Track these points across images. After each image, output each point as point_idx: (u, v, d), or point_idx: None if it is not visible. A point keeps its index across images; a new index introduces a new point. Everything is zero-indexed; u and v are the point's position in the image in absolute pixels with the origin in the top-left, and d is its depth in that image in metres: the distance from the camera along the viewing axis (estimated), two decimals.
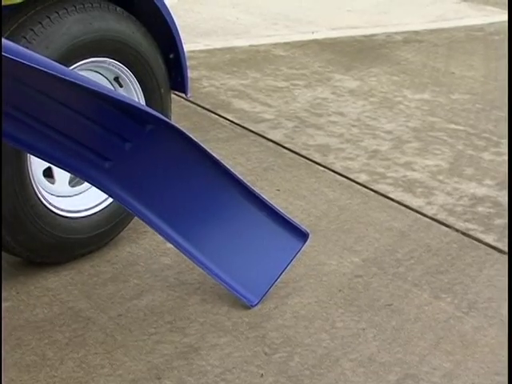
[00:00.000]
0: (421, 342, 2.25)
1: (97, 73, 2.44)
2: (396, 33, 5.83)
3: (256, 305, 2.32)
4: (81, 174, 2.24)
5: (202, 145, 2.25)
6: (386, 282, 2.54)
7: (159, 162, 2.26)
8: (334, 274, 2.56)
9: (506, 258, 2.76)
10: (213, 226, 2.33)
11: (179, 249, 2.33)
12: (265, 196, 3.08)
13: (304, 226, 2.44)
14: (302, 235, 2.40)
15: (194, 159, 2.25)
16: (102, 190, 2.28)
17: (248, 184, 2.35)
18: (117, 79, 2.48)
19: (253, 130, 3.78)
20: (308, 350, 2.17)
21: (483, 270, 2.66)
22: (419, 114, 4.18)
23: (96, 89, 2.04)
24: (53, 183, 2.44)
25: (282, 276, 2.44)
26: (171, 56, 2.61)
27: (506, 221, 3.04)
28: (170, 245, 2.64)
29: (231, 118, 3.90)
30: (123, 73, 2.46)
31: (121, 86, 2.50)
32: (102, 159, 2.22)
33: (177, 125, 2.26)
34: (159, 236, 2.67)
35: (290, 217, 2.40)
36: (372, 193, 3.19)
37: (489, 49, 5.59)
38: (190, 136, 2.23)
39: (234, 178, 2.30)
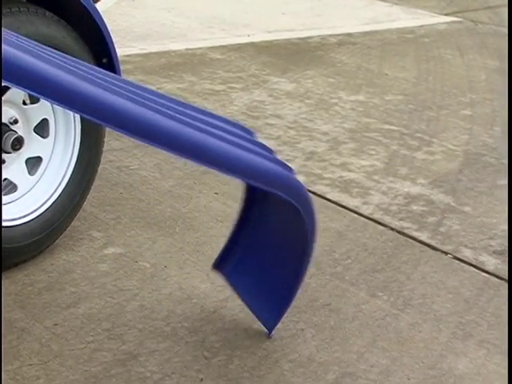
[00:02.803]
0: (358, 340, 2.28)
1: None
2: (330, 35, 5.91)
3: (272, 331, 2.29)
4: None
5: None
6: (324, 282, 2.57)
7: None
8: None
9: (439, 254, 2.83)
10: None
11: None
12: (203, 200, 3.08)
13: None
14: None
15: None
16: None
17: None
18: None
19: None
20: (247, 352, 2.18)
21: (418, 268, 2.72)
22: (354, 115, 4.25)
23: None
24: None
25: (220, 280, 2.45)
26: (104, 61, 2.58)
27: (439, 218, 3.11)
28: (107, 251, 2.61)
29: None
30: None
31: None
32: None
33: None
34: (96, 243, 2.65)
35: None
36: (309, 194, 3.22)
37: (420, 50, 5.73)
38: None
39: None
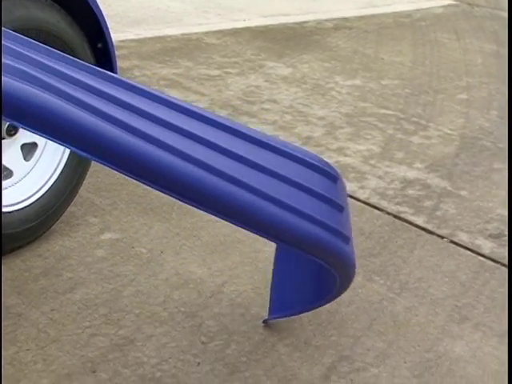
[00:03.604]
0: (355, 324, 2.29)
1: None
2: (327, 20, 5.89)
3: (266, 320, 2.26)
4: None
5: None
6: None
7: None
8: (269, 261, 2.57)
9: (435, 238, 2.84)
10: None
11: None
12: None
13: None
14: None
15: None
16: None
17: None
18: None
19: None
20: (244, 337, 2.19)
21: (414, 251, 2.73)
22: (351, 99, 4.24)
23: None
24: None
25: (217, 264, 2.45)
26: (99, 45, 2.57)
27: (435, 202, 3.12)
28: (103, 237, 2.61)
29: None
30: None
31: None
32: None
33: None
34: (92, 228, 2.65)
35: None
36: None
37: (416, 34, 5.71)
38: None
39: None
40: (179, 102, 1.65)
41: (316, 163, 1.76)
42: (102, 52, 2.57)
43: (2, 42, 1.52)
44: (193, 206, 1.56)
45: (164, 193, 1.53)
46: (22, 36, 1.63)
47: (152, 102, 1.60)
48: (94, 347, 2.07)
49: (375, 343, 2.21)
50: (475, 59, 5.19)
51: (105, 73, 1.63)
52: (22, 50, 1.55)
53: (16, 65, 1.47)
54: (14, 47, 1.55)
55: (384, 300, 2.42)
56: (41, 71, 1.50)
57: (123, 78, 1.66)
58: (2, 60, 1.44)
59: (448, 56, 5.25)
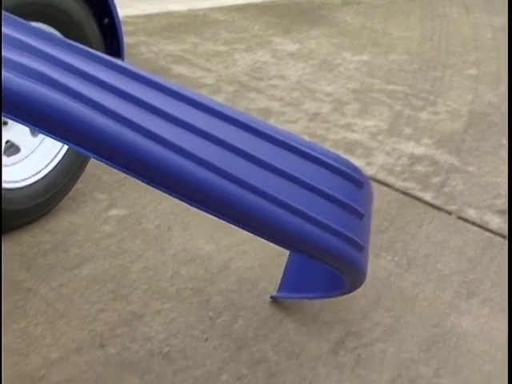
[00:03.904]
0: (362, 299, 2.29)
1: None
2: None
3: (274, 296, 2.26)
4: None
5: None
6: None
7: None
8: None
9: (443, 214, 2.83)
10: None
11: None
12: None
13: None
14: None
15: None
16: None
17: None
18: None
19: None
20: (252, 312, 2.19)
21: (422, 227, 2.72)
22: (358, 75, 4.21)
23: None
24: None
25: (224, 240, 2.46)
26: (105, 21, 2.55)
27: (443, 178, 3.10)
28: (111, 213, 2.62)
29: None
30: None
31: None
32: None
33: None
34: (100, 205, 2.65)
35: None
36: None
37: (425, 9, 5.65)
38: None
39: None
40: (198, 98, 1.55)
41: (340, 167, 1.68)
42: (108, 28, 2.55)
43: (3, 30, 1.48)
44: (202, 210, 1.51)
45: (172, 196, 1.49)
46: (22, 20, 1.58)
47: (164, 95, 1.52)
48: (103, 322, 2.08)
49: (383, 318, 2.21)
50: (485, 34, 5.15)
51: (106, 59, 1.56)
52: (22, 38, 1.48)
53: (16, 58, 1.41)
54: (14, 34, 1.49)
55: (391, 276, 2.42)
56: (40, 62, 1.44)
57: (126, 65, 1.56)
58: (2, 61, 1.39)
59: (457, 31, 5.20)
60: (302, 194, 1.58)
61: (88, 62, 1.52)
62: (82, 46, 1.58)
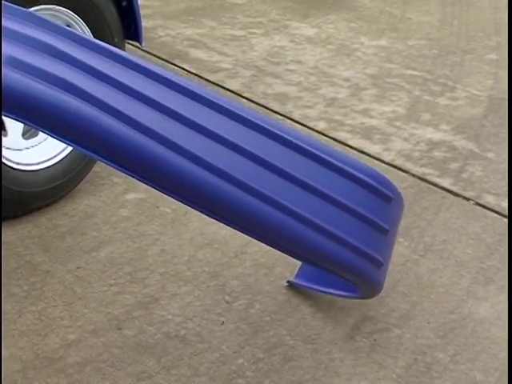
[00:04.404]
0: None
1: None
2: None
3: (290, 281, 2.25)
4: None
5: None
6: None
7: None
8: None
9: (461, 200, 2.81)
10: None
11: None
12: None
13: None
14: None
15: None
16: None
17: None
18: (68, 27, 2.42)
19: (210, 79, 3.73)
20: (268, 297, 2.20)
21: (439, 214, 2.71)
22: (376, 60, 4.18)
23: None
24: (5, 136, 2.39)
25: None
26: (124, 4, 2.55)
27: (461, 165, 3.08)
28: (128, 197, 2.63)
29: (188, 68, 3.85)
30: (74, 21, 2.40)
31: None
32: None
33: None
34: (117, 188, 2.66)
35: None
36: (330, 140, 3.20)
37: None
38: None
39: None
40: (215, 99, 1.49)
41: (368, 180, 1.62)
42: (126, 11, 2.55)
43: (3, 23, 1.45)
44: (217, 220, 1.49)
45: (188, 205, 1.47)
46: (22, 9, 1.56)
47: (175, 93, 1.47)
48: (120, 305, 2.10)
49: (399, 304, 2.21)
50: (506, 18, 5.08)
51: (107, 49, 1.51)
52: (22, 31, 1.45)
53: (18, 56, 1.37)
54: (15, 27, 1.45)
55: (408, 262, 2.41)
56: (41, 56, 1.41)
57: (128, 56, 1.51)
58: (2, 61, 1.37)
59: (477, 15, 5.14)
60: (323, 206, 1.53)
61: (89, 52, 1.48)
62: (83, 36, 1.55)
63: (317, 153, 1.56)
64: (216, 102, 1.49)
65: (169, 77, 1.49)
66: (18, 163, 2.36)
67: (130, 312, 2.07)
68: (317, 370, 1.93)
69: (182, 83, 1.49)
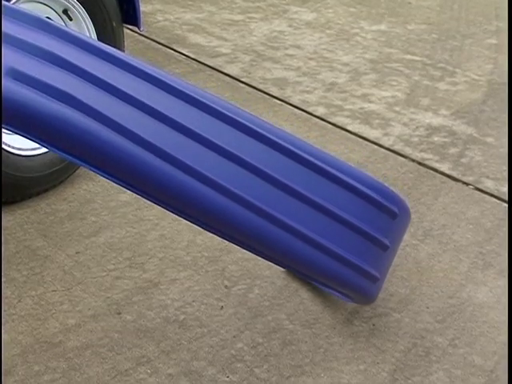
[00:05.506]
0: None
1: (45, 5, 2.36)
2: None
3: None
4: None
5: None
6: None
7: None
8: None
9: (460, 185, 2.81)
10: None
11: None
12: None
13: None
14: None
15: None
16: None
17: None
18: (66, 12, 2.41)
19: (209, 64, 3.72)
20: (267, 281, 2.20)
21: (438, 198, 2.70)
22: (376, 45, 4.16)
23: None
24: None
25: None
26: None
27: (461, 149, 3.08)
28: None
29: (187, 53, 3.84)
30: (72, 5, 2.39)
31: (70, 19, 2.43)
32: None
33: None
34: None
35: None
36: (330, 125, 3.19)
37: None
38: None
39: None
40: (211, 103, 1.46)
41: (373, 195, 1.58)
42: None
43: (2, 26, 1.44)
44: (212, 232, 1.53)
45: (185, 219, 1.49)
46: (22, 10, 1.54)
47: (178, 99, 1.45)
48: (119, 289, 2.10)
49: (398, 289, 2.21)
50: (505, 2, 5.05)
51: (103, 50, 1.48)
52: (21, 37, 1.42)
53: (17, 67, 1.35)
54: (13, 31, 1.43)
55: (407, 246, 2.41)
56: (39, 63, 1.39)
57: (127, 59, 1.48)
58: (2, 63, 1.36)
59: None
60: (322, 221, 1.51)
61: (89, 57, 1.46)
62: (83, 37, 1.52)
63: (323, 166, 1.52)
64: (213, 106, 1.47)
65: (167, 79, 1.48)
66: (17, 148, 2.35)
67: (129, 297, 2.08)
68: (316, 354, 1.93)
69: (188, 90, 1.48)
